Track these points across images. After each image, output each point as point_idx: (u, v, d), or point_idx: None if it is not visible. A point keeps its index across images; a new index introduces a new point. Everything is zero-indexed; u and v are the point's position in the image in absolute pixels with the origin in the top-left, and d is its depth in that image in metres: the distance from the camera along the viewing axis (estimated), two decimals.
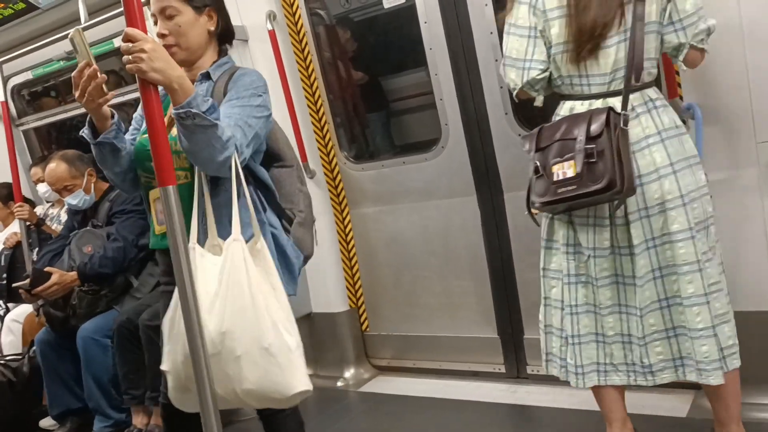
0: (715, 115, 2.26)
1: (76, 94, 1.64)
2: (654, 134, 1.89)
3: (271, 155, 1.98)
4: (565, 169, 1.86)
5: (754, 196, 2.28)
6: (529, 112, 2.08)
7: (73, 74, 1.62)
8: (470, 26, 2.90)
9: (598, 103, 1.92)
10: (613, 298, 1.99)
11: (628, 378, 2.01)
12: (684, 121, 2.36)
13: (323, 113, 3.41)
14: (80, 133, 1.81)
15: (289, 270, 1.88)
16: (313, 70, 3.37)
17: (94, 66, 1.59)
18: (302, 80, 3.37)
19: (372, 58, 3.52)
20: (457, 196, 3.15)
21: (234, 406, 1.81)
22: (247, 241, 1.70)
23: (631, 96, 1.89)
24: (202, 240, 1.73)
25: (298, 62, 3.35)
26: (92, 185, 3.33)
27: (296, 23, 3.31)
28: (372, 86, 3.50)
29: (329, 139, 3.43)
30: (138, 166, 1.88)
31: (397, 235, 3.39)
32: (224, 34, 1.97)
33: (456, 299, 3.26)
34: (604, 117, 1.82)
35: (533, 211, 2.04)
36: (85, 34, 1.60)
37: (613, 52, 1.88)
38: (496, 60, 2.85)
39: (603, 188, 1.79)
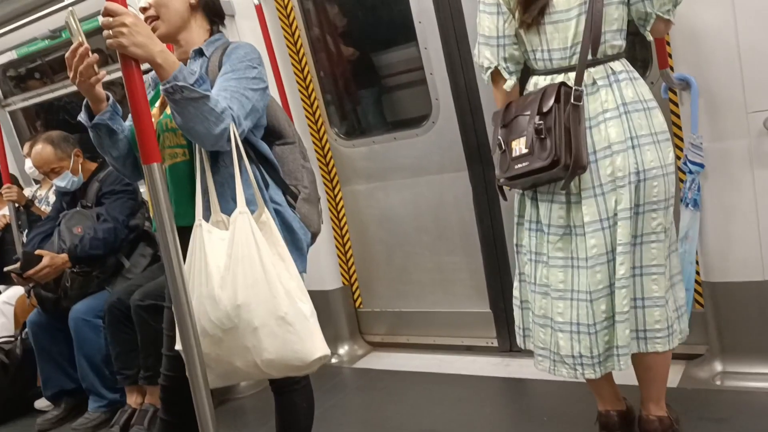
0: (705, 86, 2.25)
1: (70, 75, 1.64)
2: (612, 109, 1.84)
3: (272, 132, 1.96)
4: (520, 145, 1.85)
5: (745, 167, 2.27)
6: (521, 85, 2.05)
7: (66, 55, 1.62)
8: None
9: (559, 78, 1.88)
10: (566, 282, 1.93)
11: (575, 372, 1.94)
12: (675, 92, 2.37)
13: (312, 90, 3.38)
14: (78, 117, 1.81)
15: (298, 247, 1.87)
16: (301, 45, 3.33)
17: (86, 45, 1.59)
18: (291, 56, 3.33)
19: (361, 33, 3.47)
20: (448, 171, 3.14)
21: (255, 378, 1.80)
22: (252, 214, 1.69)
23: (593, 69, 1.85)
24: (206, 216, 1.73)
25: (286, 38, 3.31)
26: (80, 166, 3.30)
27: None
28: (361, 62, 3.46)
29: (319, 116, 3.40)
30: (135, 149, 1.87)
31: (389, 212, 3.38)
32: (210, 10, 1.94)
33: (448, 275, 3.27)
34: (555, 93, 1.80)
35: (504, 187, 2.04)
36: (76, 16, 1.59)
37: (573, 25, 1.83)
38: None
39: (548, 165, 1.79)
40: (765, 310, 2.32)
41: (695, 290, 2.52)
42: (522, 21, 1.88)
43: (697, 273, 2.48)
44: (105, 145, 1.83)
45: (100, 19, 1.51)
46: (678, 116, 2.43)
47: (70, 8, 1.60)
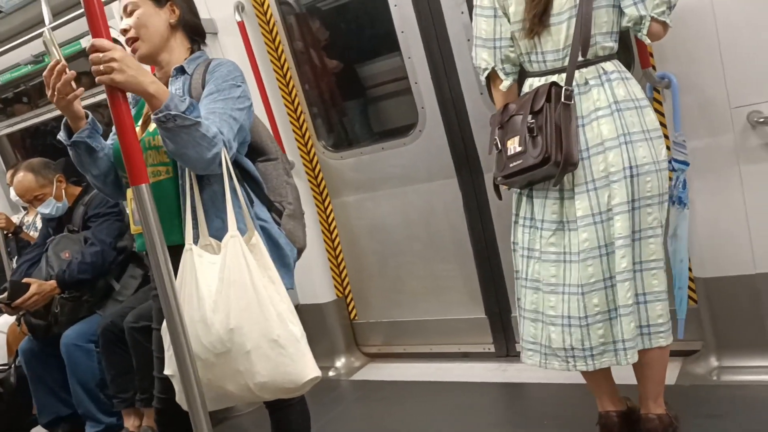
0: (688, 84, 2.27)
1: (48, 93, 1.63)
2: (605, 107, 1.88)
3: (255, 150, 1.97)
4: (515, 144, 1.90)
5: (731, 162, 2.29)
6: (518, 87, 2.08)
7: (44, 74, 1.62)
8: (440, 7, 2.88)
9: (553, 78, 1.93)
10: (558, 276, 1.97)
11: (567, 364, 1.97)
12: (658, 91, 2.38)
13: (298, 103, 3.38)
14: (57, 136, 1.80)
15: (285, 263, 1.87)
16: (285, 60, 3.33)
17: (63, 62, 1.60)
18: (275, 71, 3.34)
19: (344, 45, 3.48)
20: (437, 179, 3.14)
21: (248, 402, 1.80)
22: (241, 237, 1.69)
23: (584, 70, 1.90)
24: (195, 240, 1.72)
25: (269, 53, 3.31)
26: (63, 191, 3.27)
27: (265, 13, 3.26)
28: (346, 74, 3.46)
29: (306, 129, 3.40)
30: (118, 167, 1.86)
31: (380, 222, 3.38)
32: (190, 28, 1.94)
33: (442, 282, 3.26)
34: (546, 92, 1.85)
35: (502, 186, 2.07)
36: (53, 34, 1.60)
37: (564, 28, 1.88)
38: (468, 40, 2.83)
39: (539, 162, 1.83)
40: (757, 303, 2.34)
41: (689, 287, 2.53)
42: (530, 30, 1.92)
43: (690, 269, 2.49)
44: (85, 163, 1.82)
45: (91, 57, 1.50)
46: (663, 115, 2.45)
47: (46, 28, 1.61)
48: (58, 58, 1.59)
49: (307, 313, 3.45)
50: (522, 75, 2.07)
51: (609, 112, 1.87)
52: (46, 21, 3.34)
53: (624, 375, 2.12)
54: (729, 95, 2.24)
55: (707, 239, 2.40)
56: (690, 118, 2.30)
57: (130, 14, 1.82)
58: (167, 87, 1.80)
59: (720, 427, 2.12)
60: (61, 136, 1.79)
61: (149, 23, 1.82)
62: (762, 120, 2.19)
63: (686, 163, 2.22)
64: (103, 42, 1.49)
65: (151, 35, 1.83)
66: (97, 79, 1.49)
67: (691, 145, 2.27)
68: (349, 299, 3.57)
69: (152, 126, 1.74)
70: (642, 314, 1.94)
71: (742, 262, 2.34)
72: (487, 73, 2.03)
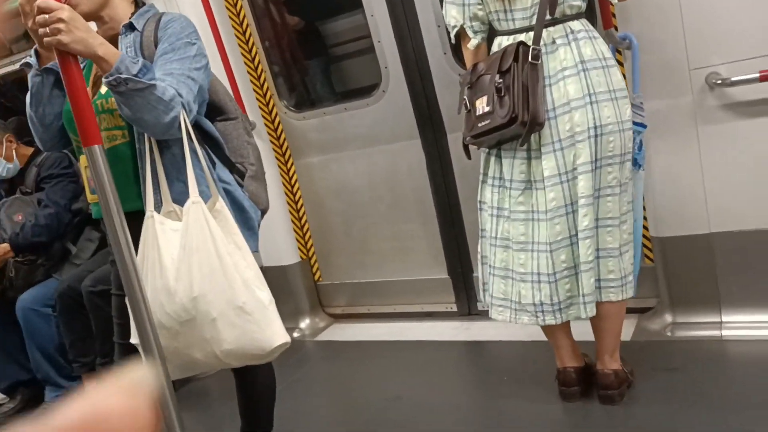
0: (649, 45, 2.28)
1: (28, 23, 1.52)
2: (571, 66, 1.89)
3: (213, 109, 1.90)
4: (483, 104, 1.91)
5: (689, 123, 2.33)
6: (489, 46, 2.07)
7: (19, 2, 1.51)
8: None
9: (521, 37, 1.93)
10: (527, 235, 2.01)
11: (536, 318, 2.03)
12: (620, 52, 2.39)
13: (259, 62, 3.29)
14: (26, 59, 1.71)
15: (249, 226, 1.84)
16: (244, 16, 3.23)
17: None
18: (234, 27, 3.23)
19: (306, 1, 3.39)
20: (401, 140, 3.12)
21: (215, 369, 1.79)
22: (205, 202, 1.65)
23: (552, 29, 1.90)
24: (157, 207, 1.67)
25: (228, 9, 3.20)
26: (14, 151, 3.16)
27: None
28: (308, 32, 3.38)
29: (267, 89, 3.32)
30: (69, 130, 1.77)
31: (343, 183, 3.35)
32: None
33: (406, 243, 3.28)
34: (513, 52, 1.86)
35: (471, 145, 2.08)
36: None
37: None
38: None
39: (507, 122, 1.85)
40: (711, 261, 2.40)
41: (645, 246, 2.59)
42: None
43: (646, 229, 2.55)
44: (43, 96, 1.72)
45: (37, 18, 1.42)
46: (624, 76, 2.46)
47: None
48: None
49: (270, 275, 3.37)
50: (492, 34, 2.06)
51: (576, 71, 1.88)
52: None
53: (582, 331, 2.17)
54: (688, 57, 2.26)
55: (664, 199, 2.45)
56: (650, 78, 2.31)
57: None
58: (113, 44, 1.69)
59: (673, 380, 2.20)
60: (32, 61, 1.69)
61: None
62: (720, 81, 2.22)
63: (644, 126, 2.25)
64: (48, 2, 1.41)
65: None
66: (44, 41, 1.42)
67: (651, 105, 2.30)
68: (313, 261, 3.56)
69: (104, 88, 1.66)
70: (595, 269, 1.99)
71: (697, 221, 2.40)
72: (456, 30, 2.02)
